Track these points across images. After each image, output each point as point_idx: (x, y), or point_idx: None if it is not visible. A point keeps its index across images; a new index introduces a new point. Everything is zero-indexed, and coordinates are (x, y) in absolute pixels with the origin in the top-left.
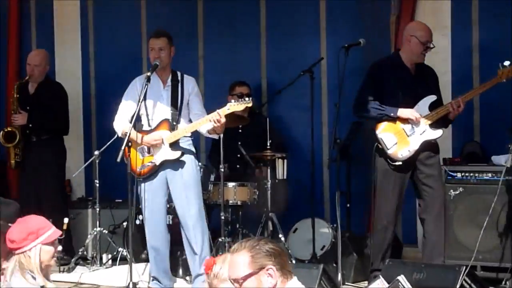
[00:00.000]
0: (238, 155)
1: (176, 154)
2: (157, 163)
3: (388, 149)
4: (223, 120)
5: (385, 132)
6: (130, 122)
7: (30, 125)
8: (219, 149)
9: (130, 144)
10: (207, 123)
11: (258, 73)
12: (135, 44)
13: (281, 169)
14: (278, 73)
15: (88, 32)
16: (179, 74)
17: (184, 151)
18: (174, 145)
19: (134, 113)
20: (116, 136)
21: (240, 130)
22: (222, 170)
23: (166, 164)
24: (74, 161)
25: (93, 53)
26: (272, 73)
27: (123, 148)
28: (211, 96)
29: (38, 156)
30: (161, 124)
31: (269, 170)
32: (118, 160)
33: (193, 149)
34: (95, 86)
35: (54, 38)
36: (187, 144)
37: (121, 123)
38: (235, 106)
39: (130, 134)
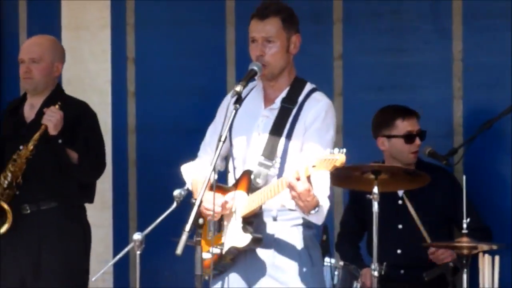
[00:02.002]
0: (399, 251)
1: (244, 240)
2: (224, 251)
3: None
4: (300, 187)
5: None
6: (214, 171)
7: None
8: (356, 235)
9: (202, 219)
10: (283, 189)
11: (445, 88)
12: (213, 34)
13: (489, 273)
14: (483, 90)
15: (124, 16)
16: (306, 89)
17: (270, 237)
18: (254, 222)
19: (215, 156)
20: (175, 204)
21: (400, 202)
22: (376, 274)
23: (242, 257)
24: (94, 251)
25: (132, 51)
26: (472, 88)
27: (188, 227)
28: (352, 132)
29: (37, 244)
30: (242, 178)
31: (465, 274)
32: (179, 252)
33: (304, 234)
34: (135, 110)
35: (60, 22)
36: (291, 223)
37: (195, 169)
38: (324, 161)
39: (202, 194)
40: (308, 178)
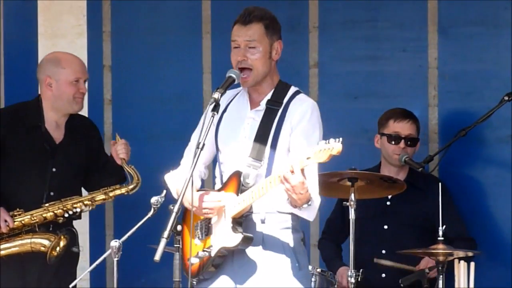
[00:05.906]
0: (383, 251)
1: (235, 240)
2: (213, 253)
3: None
4: (294, 180)
5: None
6: (191, 178)
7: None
8: (339, 235)
9: (181, 221)
10: (275, 185)
11: (421, 96)
12: (189, 42)
13: (464, 279)
14: (459, 98)
15: (100, 24)
16: (290, 91)
17: (259, 235)
18: (243, 222)
19: (194, 160)
20: (152, 211)
21: (388, 203)
22: (353, 280)
23: (229, 259)
24: None
25: (109, 59)
26: (447, 96)
27: (166, 234)
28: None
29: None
30: (230, 180)
31: (440, 280)
32: (157, 258)
33: (292, 237)
34: (111, 118)
35: (36, 30)
36: (279, 226)
37: (178, 177)
38: (320, 152)
39: (181, 198)
40: (302, 171)
